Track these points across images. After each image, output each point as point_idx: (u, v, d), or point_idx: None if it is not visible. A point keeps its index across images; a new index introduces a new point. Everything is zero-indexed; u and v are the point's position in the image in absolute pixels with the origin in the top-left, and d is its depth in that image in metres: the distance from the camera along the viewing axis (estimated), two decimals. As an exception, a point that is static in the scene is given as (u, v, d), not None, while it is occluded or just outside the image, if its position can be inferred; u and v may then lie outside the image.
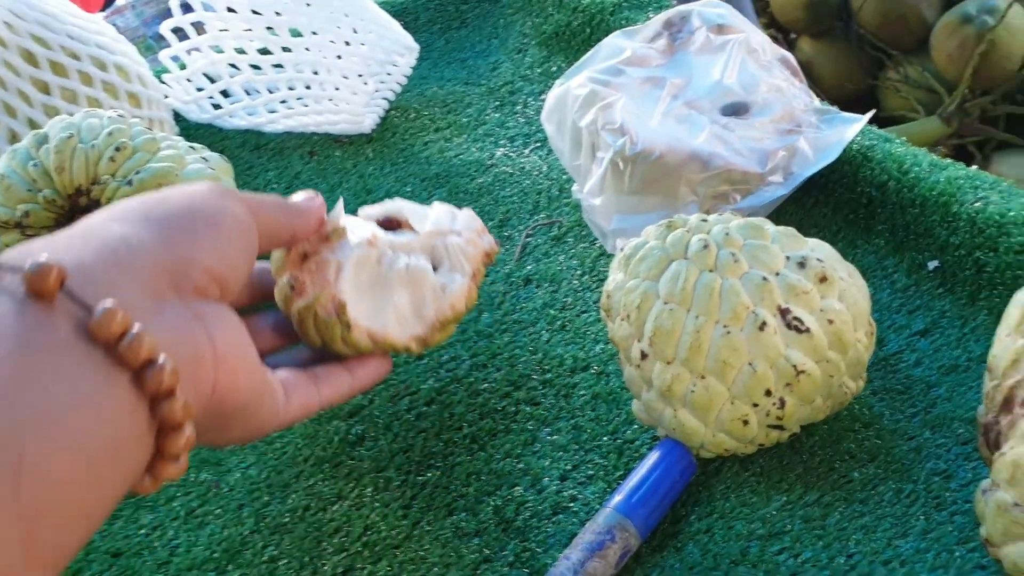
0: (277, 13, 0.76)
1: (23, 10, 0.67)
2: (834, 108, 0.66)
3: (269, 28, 0.77)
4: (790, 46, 2.28)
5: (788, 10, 2.17)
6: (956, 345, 0.55)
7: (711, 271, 0.47)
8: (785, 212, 0.67)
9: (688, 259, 0.47)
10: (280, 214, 0.44)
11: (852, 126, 0.64)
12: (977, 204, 0.58)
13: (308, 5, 0.77)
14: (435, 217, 0.52)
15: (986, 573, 0.43)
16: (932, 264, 0.60)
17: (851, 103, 1.45)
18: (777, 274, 0.47)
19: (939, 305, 0.58)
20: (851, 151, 0.65)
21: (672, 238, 0.48)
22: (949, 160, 0.63)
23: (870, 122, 0.66)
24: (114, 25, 1.74)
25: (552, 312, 0.62)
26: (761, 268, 0.47)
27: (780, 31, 2.29)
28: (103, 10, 1.82)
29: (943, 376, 0.53)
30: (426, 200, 0.73)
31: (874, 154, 0.64)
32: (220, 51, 0.78)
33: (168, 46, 0.79)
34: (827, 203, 0.66)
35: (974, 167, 0.62)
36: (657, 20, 0.68)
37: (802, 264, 0.47)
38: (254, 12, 0.75)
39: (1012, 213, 0.57)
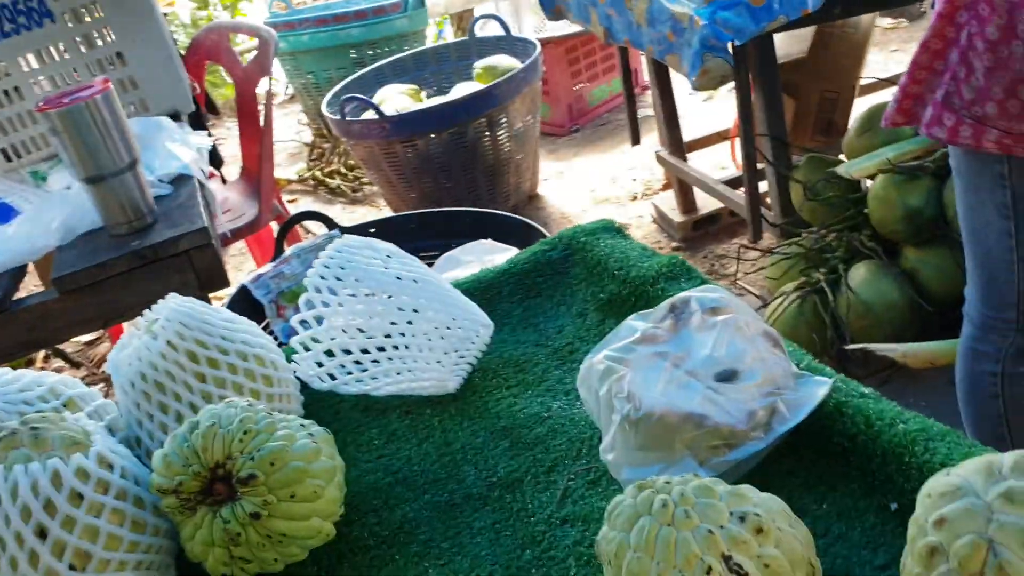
0: (388, 296, 0.97)
1: (189, 321, 0.90)
2: (807, 372, 0.80)
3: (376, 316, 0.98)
4: (894, 255, 2.38)
5: (888, 223, 2.29)
6: (901, 579, 0.65)
7: (669, 525, 0.60)
8: (783, 458, 0.79)
9: (651, 515, 0.61)
10: None
11: (822, 387, 0.77)
12: (926, 455, 0.70)
13: (410, 291, 0.98)
14: None
15: None
16: (893, 506, 0.71)
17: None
18: (722, 527, 0.60)
19: (899, 543, 0.68)
20: (828, 405, 0.78)
21: (641, 497, 0.63)
22: (911, 413, 0.75)
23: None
24: (281, 272, 2.04)
25: (581, 549, 0.76)
26: (709, 522, 0.60)
27: (882, 243, 2.40)
28: (274, 259, 2.12)
29: (888, 607, 0.64)
30: (493, 450, 0.90)
31: (846, 409, 0.77)
32: (333, 338, 0.99)
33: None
34: (813, 450, 0.78)
35: (931, 419, 0.74)
36: (664, 304, 0.84)
37: (742, 518, 0.60)
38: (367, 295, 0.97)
39: (955, 461, 0.68)
